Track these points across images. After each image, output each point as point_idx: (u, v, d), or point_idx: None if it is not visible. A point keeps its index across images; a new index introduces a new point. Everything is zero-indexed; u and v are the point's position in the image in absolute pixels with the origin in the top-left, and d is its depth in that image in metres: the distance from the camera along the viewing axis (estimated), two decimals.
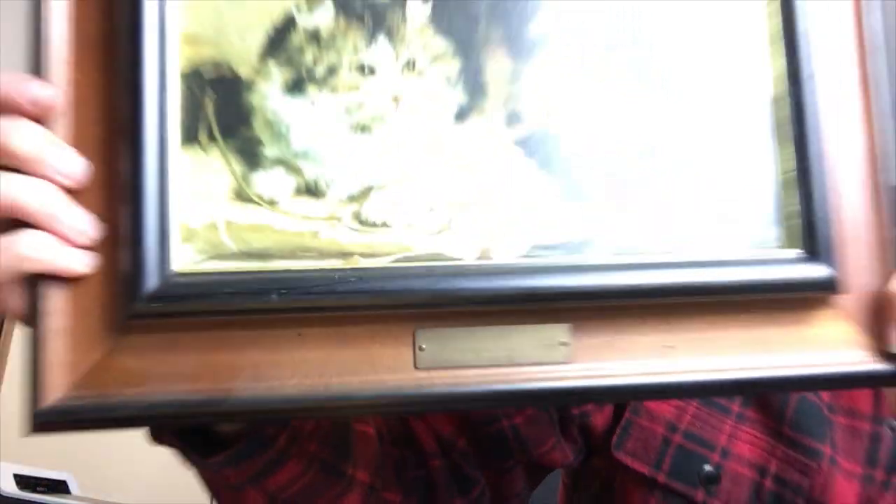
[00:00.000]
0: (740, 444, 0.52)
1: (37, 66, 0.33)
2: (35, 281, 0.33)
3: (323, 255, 0.34)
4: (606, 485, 0.56)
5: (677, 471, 0.52)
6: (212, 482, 0.45)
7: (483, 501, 0.54)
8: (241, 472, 0.42)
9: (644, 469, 0.53)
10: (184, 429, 0.41)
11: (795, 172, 0.36)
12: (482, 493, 0.53)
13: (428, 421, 0.53)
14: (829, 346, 0.36)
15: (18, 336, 1.48)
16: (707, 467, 0.52)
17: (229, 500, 0.46)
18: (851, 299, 0.37)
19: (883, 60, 0.38)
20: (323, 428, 0.46)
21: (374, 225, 0.35)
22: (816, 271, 0.36)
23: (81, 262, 0.33)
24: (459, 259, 0.35)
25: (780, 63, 0.37)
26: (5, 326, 1.50)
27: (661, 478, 0.52)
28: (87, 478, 1.32)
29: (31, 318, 0.34)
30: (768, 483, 0.51)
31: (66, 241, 0.33)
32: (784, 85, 0.37)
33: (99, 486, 1.42)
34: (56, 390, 0.33)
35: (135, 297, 0.33)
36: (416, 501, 0.52)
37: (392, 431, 0.52)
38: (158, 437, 0.41)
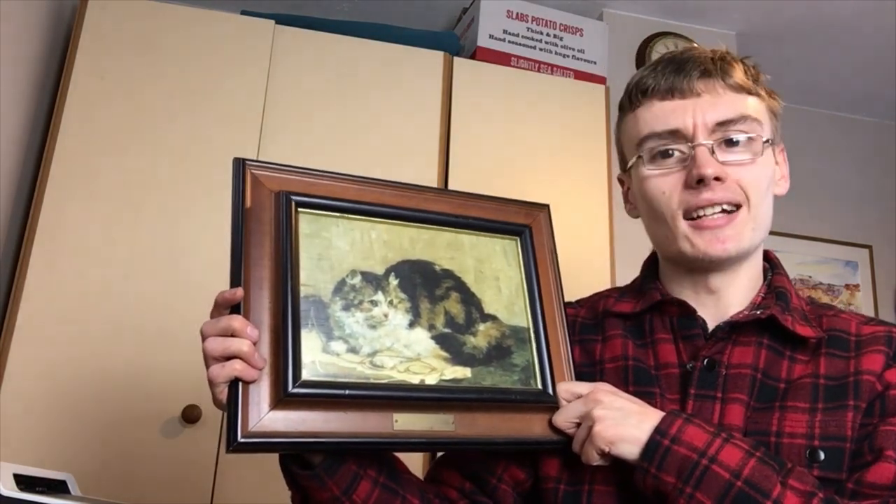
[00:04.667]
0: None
1: (237, 275, 0.78)
2: (236, 382, 0.75)
3: (360, 377, 0.80)
4: None
5: None
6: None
7: None
8: (338, 484, 0.81)
9: None
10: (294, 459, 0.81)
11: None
12: None
13: (444, 479, 0.95)
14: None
15: (19, 337, 1.53)
16: None
17: None
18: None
19: None
20: (375, 462, 0.86)
21: (379, 367, 0.81)
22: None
23: (255, 375, 0.76)
24: (413, 382, 0.82)
25: None
26: (5, 328, 1.55)
27: None
28: (87, 478, 1.37)
29: (223, 403, 0.75)
30: None
31: (252, 366, 0.76)
32: None
33: (99, 486, 1.47)
34: (242, 430, 0.73)
35: (284, 390, 0.75)
36: None
37: (430, 490, 0.92)
38: (284, 463, 0.82)
